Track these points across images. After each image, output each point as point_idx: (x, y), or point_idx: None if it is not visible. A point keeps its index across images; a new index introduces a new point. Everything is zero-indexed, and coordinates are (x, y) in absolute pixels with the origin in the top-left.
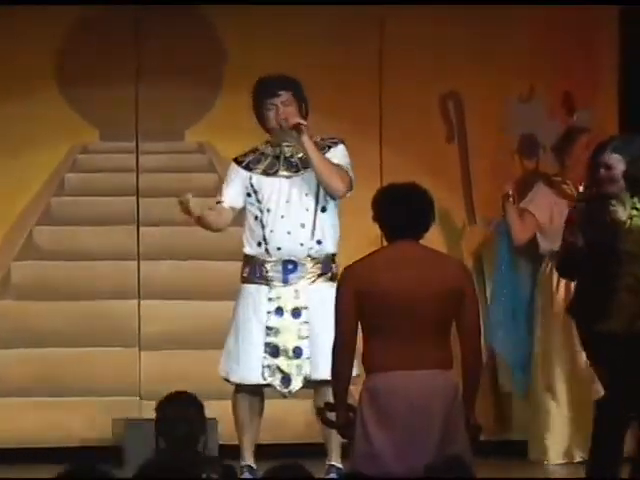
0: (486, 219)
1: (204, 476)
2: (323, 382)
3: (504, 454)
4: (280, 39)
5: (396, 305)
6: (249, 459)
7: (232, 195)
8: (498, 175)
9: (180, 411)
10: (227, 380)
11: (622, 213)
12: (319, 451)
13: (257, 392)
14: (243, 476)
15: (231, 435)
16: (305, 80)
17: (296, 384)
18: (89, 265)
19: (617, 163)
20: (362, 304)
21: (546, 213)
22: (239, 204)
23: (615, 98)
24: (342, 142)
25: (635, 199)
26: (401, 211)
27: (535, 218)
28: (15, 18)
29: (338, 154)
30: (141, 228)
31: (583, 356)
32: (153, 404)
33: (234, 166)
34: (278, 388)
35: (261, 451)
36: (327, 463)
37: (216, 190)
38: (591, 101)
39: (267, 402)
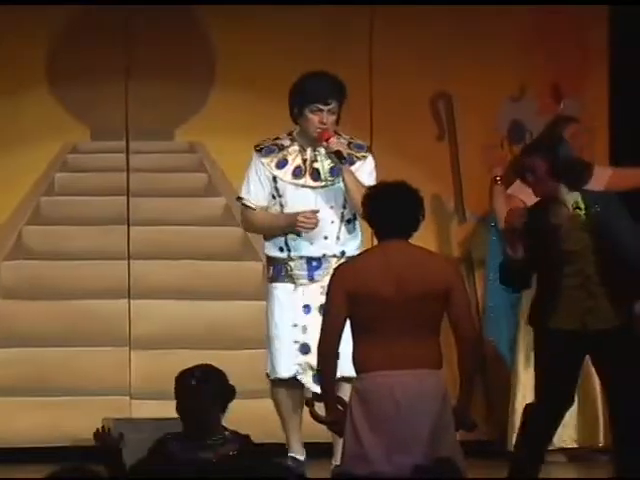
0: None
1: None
2: (347, 379)
3: (495, 454)
4: (270, 39)
5: (385, 305)
6: (295, 450)
7: (263, 197)
8: (488, 173)
9: (192, 394)
10: (269, 378)
11: (564, 214)
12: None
13: (296, 385)
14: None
15: None
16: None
17: None
18: (79, 265)
19: (539, 164)
20: (352, 304)
21: (534, 199)
22: (267, 204)
23: (606, 89)
24: (369, 152)
25: (577, 197)
26: (390, 210)
27: (520, 203)
28: (5, 17)
29: (367, 170)
30: (131, 228)
31: None
32: (143, 403)
33: (258, 164)
34: (308, 385)
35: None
36: (333, 464)
37: (206, 189)
38: (581, 92)
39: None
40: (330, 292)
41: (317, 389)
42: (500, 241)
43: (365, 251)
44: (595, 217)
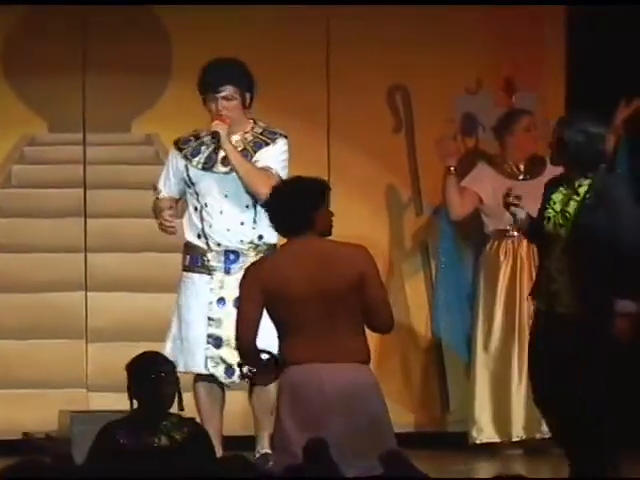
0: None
1: (161, 440)
2: None
3: (451, 444)
4: (228, 33)
5: (300, 302)
6: (218, 451)
7: (170, 185)
8: (442, 163)
9: (156, 371)
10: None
11: (556, 197)
12: None
13: (216, 381)
14: None
15: None
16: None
17: (238, 376)
18: (36, 257)
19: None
20: (268, 302)
21: (488, 191)
22: (177, 194)
23: (563, 82)
24: (283, 137)
25: (583, 182)
26: (286, 208)
27: (475, 195)
28: None
29: (271, 153)
30: (88, 220)
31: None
32: (100, 396)
33: (174, 153)
34: (221, 379)
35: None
36: (260, 452)
37: None
38: (538, 86)
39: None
40: (243, 289)
41: (229, 383)
42: (452, 233)
43: (275, 249)
44: (587, 207)
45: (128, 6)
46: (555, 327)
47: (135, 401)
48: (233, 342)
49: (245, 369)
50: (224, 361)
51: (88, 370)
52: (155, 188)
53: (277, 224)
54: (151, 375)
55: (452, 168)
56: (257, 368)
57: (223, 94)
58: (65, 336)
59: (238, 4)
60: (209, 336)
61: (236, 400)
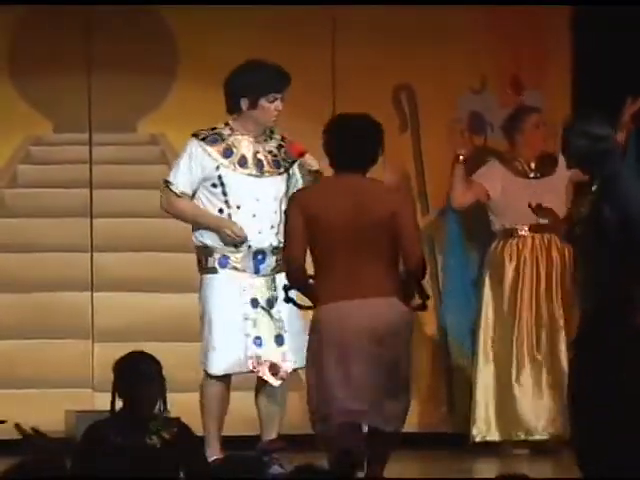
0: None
1: (152, 439)
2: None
3: (456, 444)
4: (233, 33)
5: (335, 231)
6: (216, 450)
7: (192, 183)
8: (452, 153)
9: (142, 371)
10: (208, 373)
11: (577, 199)
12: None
13: (226, 382)
14: None
15: None
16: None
17: (284, 373)
18: (42, 257)
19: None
20: (310, 229)
21: (497, 187)
22: (192, 192)
23: (567, 78)
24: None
25: (596, 181)
26: (348, 142)
27: (481, 188)
28: None
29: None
30: (94, 220)
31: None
32: (106, 396)
33: (198, 149)
34: (265, 378)
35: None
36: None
37: None
38: (543, 84)
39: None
40: (289, 216)
41: (275, 382)
42: (459, 230)
43: (321, 181)
44: (595, 204)
45: (133, 6)
46: (587, 325)
47: (120, 401)
48: (272, 341)
49: (291, 293)
50: (267, 360)
51: (94, 370)
52: (167, 182)
53: (342, 154)
54: (138, 375)
55: (461, 157)
56: (304, 290)
57: (282, 95)
58: (71, 336)
59: (242, 4)
60: (247, 335)
61: (236, 398)
